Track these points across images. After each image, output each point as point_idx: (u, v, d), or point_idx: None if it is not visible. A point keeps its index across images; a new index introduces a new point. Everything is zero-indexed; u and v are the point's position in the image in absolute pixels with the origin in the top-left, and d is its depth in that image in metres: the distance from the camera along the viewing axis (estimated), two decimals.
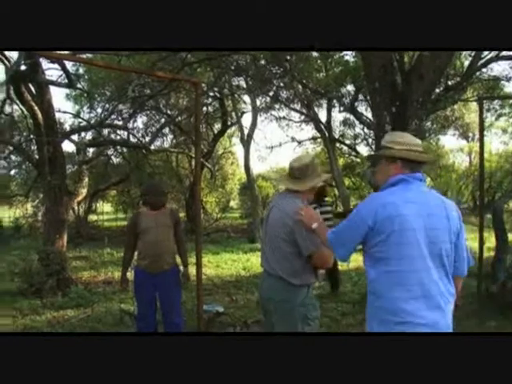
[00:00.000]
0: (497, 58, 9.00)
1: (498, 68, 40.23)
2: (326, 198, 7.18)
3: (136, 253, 4.43)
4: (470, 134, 23.17)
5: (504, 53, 8.96)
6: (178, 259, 4.61)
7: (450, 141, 54.54)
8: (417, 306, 2.05)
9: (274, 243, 2.87)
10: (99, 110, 12.77)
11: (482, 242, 5.02)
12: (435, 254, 2.12)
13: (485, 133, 5.50)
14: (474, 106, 16.66)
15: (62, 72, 7.98)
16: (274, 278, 2.86)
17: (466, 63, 9.60)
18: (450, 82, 9.44)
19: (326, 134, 16.40)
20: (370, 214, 2.14)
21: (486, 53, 8.70)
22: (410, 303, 2.05)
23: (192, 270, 4.66)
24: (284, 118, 18.96)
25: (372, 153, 2.90)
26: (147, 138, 14.96)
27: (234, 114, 16.54)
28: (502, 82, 11.05)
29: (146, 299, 4.34)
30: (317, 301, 3.02)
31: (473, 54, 8.77)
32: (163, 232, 4.39)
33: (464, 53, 10.21)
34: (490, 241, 6.86)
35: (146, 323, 4.33)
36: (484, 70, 9.83)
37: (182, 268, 4.62)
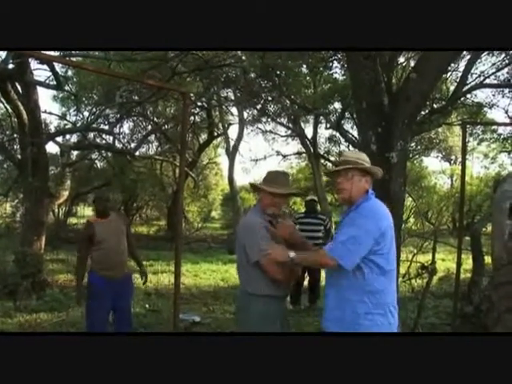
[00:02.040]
0: (481, 85, 9.20)
1: (482, 95, 41.14)
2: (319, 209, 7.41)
3: (91, 262, 4.30)
4: (453, 157, 23.59)
5: (487, 80, 9.18)
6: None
7: (432, 163, 55.41)
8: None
9: (237, 253, 2.99)
10: (86, 114, 12.71)
11: (459, 263, 5.09)
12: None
13: (467, 156, 5.61)
14: (457, 129, 16.97)
15: (50, 73, 7.94)
16: (240, 288, 2.99)
17: (452, 88, 9.81)
18: (435, 106, 9.62)
19: (311, 150, 16.52)
20: (378, 225, 2.41)
21: (470, 79, 8.91)
22: (394, 296, 2.52)
23: (170, 279, 4.64)
24: (270, 131, 19.11)
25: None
26: (132, 144, 14.94)
27: (220, 125, 16.59)
28: (485, 108, 11.31)
29: (104, 307, 4.22)
30: (279, 316, 2.91)
31: (458, 79, 8.96)
32: (120, 238, 4.37)
33: (449, 78, 10.44)
34: (468, 263, 6.95)
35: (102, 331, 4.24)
36: (468, 95, 10.05)
37: (140, 268, 4.68)
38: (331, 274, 2.62)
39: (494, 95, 10.81)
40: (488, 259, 5.50)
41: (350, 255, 2.38)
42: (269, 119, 16.18)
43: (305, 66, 11.20)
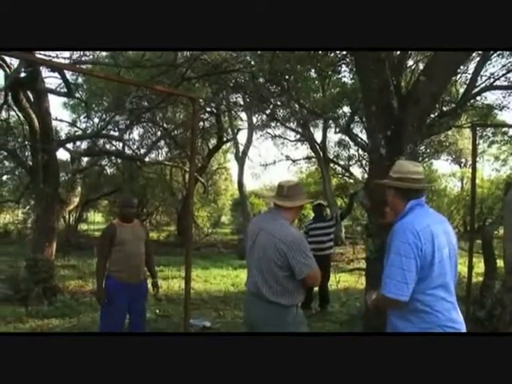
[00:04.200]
0: (491, 87, 9.14)
1: (492, 97, 40.89)
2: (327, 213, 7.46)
3: (109, 264, 4.35)
4: (463, 160, 23.43)
5: (497, 82, 9.12)
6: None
7: (442, 166, 55.04)
8: (457, 314, 2.31)
9: (263, 266, 2.86)
10: (96, 120, 12.82)
11: (471, 267, 5.04)
12: (453, 266, 2.34)
13: (477, 159, 5.57)
14: (467, 132, 16.87)
15: (61, 81, 8.02)
16: (262, 300, 2.87)
17: (461, 90, 9.75)
18: (444, 108, 9.55)
19: (321, 154, 16.53)
20: (415, 244, 2.21)
21: (480, 81, 8.84)
22: (452, 313, 2.28)
23: (181, 284, 4.65)
24: (279, 136, 19.16)
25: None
26: (142, 150, 15.01)
27: (230, 130, 16.64)
28: (495, 110, 11.23)
29: (120, 311, 4.28)
30: (304, 318, 3.04)
31: (467, 81, 8.91)
32: (140, 244, 4.45)
33: (459, 80, 10.38)
34: (479, 266, 6.89)
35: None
36: (478, 97, 9.98)
37: (152, 280, 4.71)
38: None
39: (504, 97, 10.77)
40: (500, 262, 5.44)
41: (403, 284, 2.20)
42: (278, 124, 16.22)
43: (313, 70, 11.20)
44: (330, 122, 14.80)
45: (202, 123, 15.82)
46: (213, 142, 18.34)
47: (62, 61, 7.24)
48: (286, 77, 10.85)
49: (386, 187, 2.51)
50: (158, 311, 6.66)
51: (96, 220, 21.84)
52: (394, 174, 2.47)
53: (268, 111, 13.96)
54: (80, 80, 12.64)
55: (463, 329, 2.32)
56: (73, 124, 14.08)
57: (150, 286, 4.70)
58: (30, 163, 8.47)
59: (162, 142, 17.00)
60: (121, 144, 13.91)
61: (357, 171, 19.58)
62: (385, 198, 2.53)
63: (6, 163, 13.64)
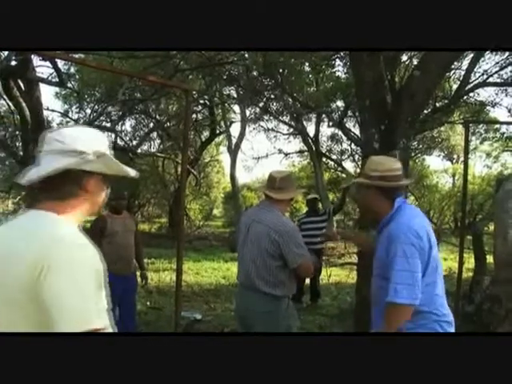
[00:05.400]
0: (484, 84, 9.17)
1: (485, 94, 41.01)
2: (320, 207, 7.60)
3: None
4: (455, 156, 23.56)
5: (491, 79, 9.14)
6: None
7: (435, 161, 55.22)
8: (447, 307, 2.30)
9: (256, 257, 2.87)
10: (88, 111, 12.70)
11: (461, 262, 5.08)
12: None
13: (469, 155, 5.60)
14: (459, 128, 16.92)
15: (53, 70, 7.94)
16: (254, 291, 2.87)
17: (454, 87, 9.77)
18: (438, 104, 9.58)
19: (313, 148, 16.52)
20: (418, 244, 2.15)
21: (473, 78, 8.86)
22: (444, 308, 2.27)
23: (172, 276, 4.66)
24: (272, 129, 19.05)
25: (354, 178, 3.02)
26: (135, 142, 14.92)
27: (222, 122, 16.57)
28: (488, 107, 11.27)
29: (111, 303, 4.30)
30: (295, 311, 3.06)
31: (461, 78, 8.93)
32: (130, 236, 4.50)
33: (452, 76, 10.40)
34: (470, 262, 6.94)
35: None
36: (471, 94, 10.01)
37: (141, 271, 4.80)
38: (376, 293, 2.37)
39: (497, 94, 10.77)
40: (490, 258, 5.49)
41: (411, 291, 2.09)
42: (271, 117, 16.16)
43: (307, 63, 11.18)
44: (323, 115, 14.78)
45: (194, 115, 15.74)
46: (205, 134, 18.26)
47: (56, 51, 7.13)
48: (280, 70, 10.81)
49: (363, 187, 2.37)
50: (148, 303, 6.65)
51: None
52: (373, 173, 2.30)
53: (261, 104, 13.90)
54: (72, 70, 12.52)
55: (452, 321, 2.30)
56: (65, 114, 13.95)
57: (138, 277, 4.73)
58: (21, 153, 8.40)
59: (155, 134, 16.90)
60: (113, 135, 13.81)
61: (349, 166, 19.62)
62: (357, 199, 2.47)
63: None
